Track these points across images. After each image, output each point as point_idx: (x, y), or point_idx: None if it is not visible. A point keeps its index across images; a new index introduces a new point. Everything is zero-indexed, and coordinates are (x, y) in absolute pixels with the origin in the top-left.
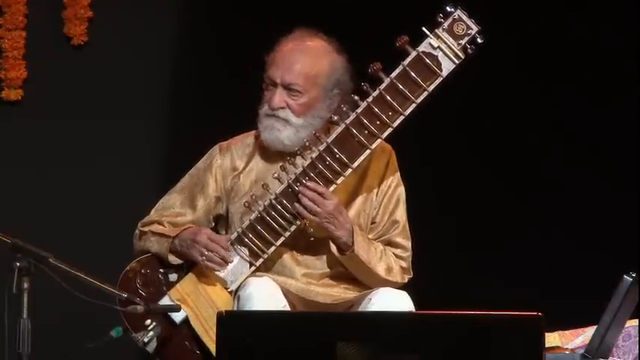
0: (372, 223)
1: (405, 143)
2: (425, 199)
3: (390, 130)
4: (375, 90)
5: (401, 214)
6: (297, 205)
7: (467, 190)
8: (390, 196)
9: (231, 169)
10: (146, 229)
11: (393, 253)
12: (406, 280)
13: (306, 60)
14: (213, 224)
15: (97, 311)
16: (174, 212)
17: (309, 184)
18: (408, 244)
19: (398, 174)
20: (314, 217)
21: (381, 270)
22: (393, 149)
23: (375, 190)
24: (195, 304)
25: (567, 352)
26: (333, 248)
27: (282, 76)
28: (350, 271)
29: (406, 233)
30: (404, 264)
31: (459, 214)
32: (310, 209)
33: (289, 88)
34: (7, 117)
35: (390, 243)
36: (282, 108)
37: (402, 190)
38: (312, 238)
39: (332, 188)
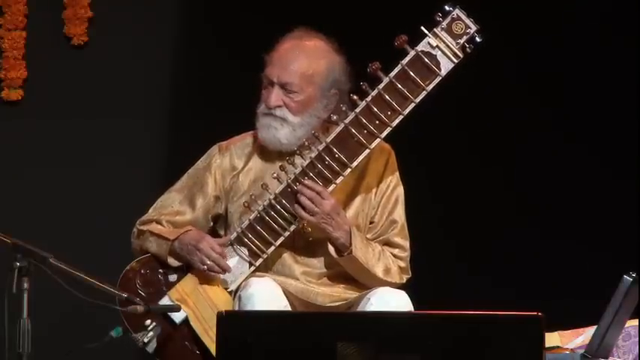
0: (371, 222)
1: (403, 141)
2: (424, 198)
3: (389, 129)
4: (374, 89)
5: (400, 214)
6: (295, 205)
7: (466, 188)
8: (388, 196)
9: (231, 168)
10: (144, 228)
11: (392, 253)
12: (404, 281)
13: (303, 59)
14: (212, 223)
15: (97, 311)
16: (173, 211)
17: (307, 182)
18: (407, 243)
19: (397, 174)
20: (311, 218)
21: (379, 271)
22: (392, 149)
23: (374, 190)
24: (195, 305)
25: (567, 352)
26: (331, 250)
27: (278, 75)
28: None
29: (405, 233)
30: (402, 264)
31: (459, 213)
32: (308, 209)
33: (286, 87)
34: (7, 117)
35: (388, 243)
36: (279, 107)
37: (401, 189)
38: (311, 238)
39: (331, 188)
